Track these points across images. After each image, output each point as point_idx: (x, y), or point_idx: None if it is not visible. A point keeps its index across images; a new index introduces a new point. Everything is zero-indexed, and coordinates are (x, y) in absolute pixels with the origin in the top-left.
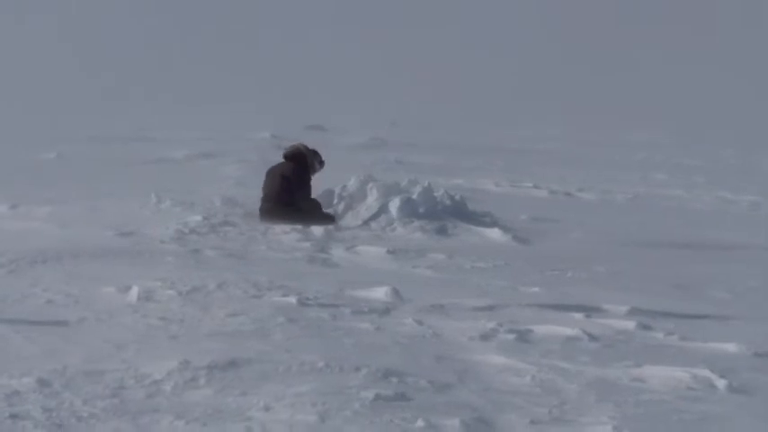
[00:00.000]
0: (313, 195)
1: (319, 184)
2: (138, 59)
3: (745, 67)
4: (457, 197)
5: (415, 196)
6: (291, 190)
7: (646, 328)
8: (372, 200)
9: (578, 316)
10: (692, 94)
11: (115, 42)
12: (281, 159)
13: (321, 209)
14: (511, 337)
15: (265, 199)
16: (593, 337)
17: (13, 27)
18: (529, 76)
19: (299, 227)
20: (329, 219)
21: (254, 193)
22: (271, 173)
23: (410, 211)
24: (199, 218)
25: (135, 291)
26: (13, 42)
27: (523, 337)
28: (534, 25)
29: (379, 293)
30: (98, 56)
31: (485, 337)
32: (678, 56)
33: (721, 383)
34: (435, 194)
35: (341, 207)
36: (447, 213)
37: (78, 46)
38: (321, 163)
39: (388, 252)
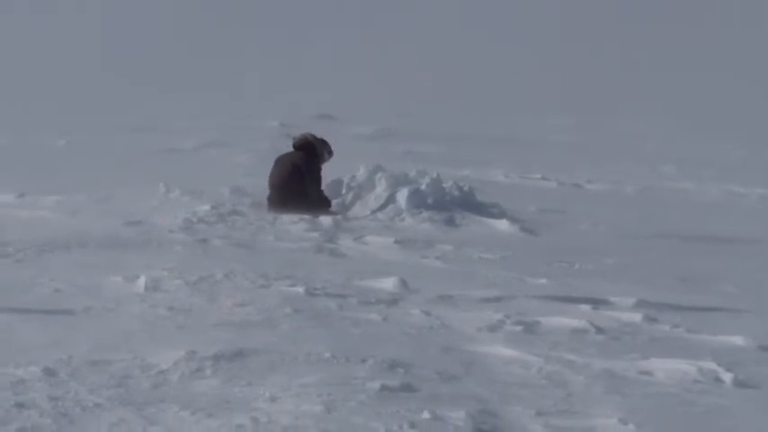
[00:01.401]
0: (323, 186)
1: (328, 174)
2: (146, 50)
3: (754, 63)
4: (465, 188)
5: (423, 187)
6: (302, 179)
7: (653, 320)
8: (381, 190)
9: (585, 308)
10: (701, 88)
11: (122, 32)
12: (290, 148)
13: (329, 205)
14: (518, 328)
15: (275, 188)
16: (600, 330)
17: (22, 17)
18: (537, 69)
19: (308, 217)
20: (332, 213)
21: (263, 183)
22: (280, 162)
23: (418, 201)
24: (207, 207)
25: (142, 280)
26: (23, 32)
27: (530, 328)
28: (543, 18)
29: (387, 284)
30: (105, 46)
31: (492, 328)
32: (687, 51)
33: (727, 377)
34: (444, 185)
35: (349, 197)
36: (455, 204)
37: (85, 36)
38: (330, 153)
39: (396, 242)
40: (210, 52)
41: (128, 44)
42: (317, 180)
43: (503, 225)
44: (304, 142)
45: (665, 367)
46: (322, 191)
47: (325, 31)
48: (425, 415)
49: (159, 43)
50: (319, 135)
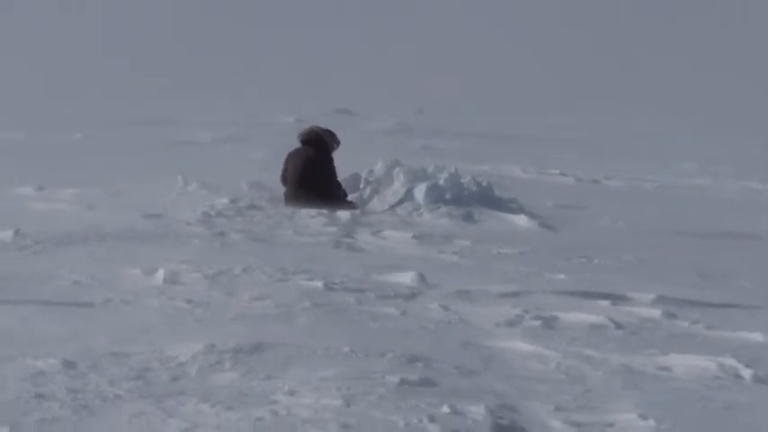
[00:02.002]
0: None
1: (346, 169)
2: (162, 47)
3: (755, 62)
4: (483, 183)
5: (441, 182)
6: (317, 172)
7: (671, 316)
8: (399, 185)
9: (604, 303)
10: (700, 88)
11: (138, 29)
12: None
13: (345, 195)
14: (536, 323)
15: (292, 182)
16: (618, 325)
17: (41, 10)
18: (537, 69)
19: (325, 211)
20: (351, 204)
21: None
22: (294, 156)
23: (437, 196)
24: (225, 201)
25: (161, 273)
26: (38, 31)
27: (549, 323)
28: (543, 18)
29: (405, 278)
30: (120, 42)
31: (510, 323)
32: (687, 50)
33: (747, 373)
34: (462, 180)
35: (367, 192)
36: (473, 199)
37: (100, 31)
38: (338, 143)
39: (415, 237)
40: (222, 51)
41: (143, 41)
42: (333, 171)
43: (521, 220)
44: (312, 135)
45: (685, 363)
46: (339, 182)
47: (325, 31)
48: (445, 409)
49: (174, 41)
50: (324, 127)
